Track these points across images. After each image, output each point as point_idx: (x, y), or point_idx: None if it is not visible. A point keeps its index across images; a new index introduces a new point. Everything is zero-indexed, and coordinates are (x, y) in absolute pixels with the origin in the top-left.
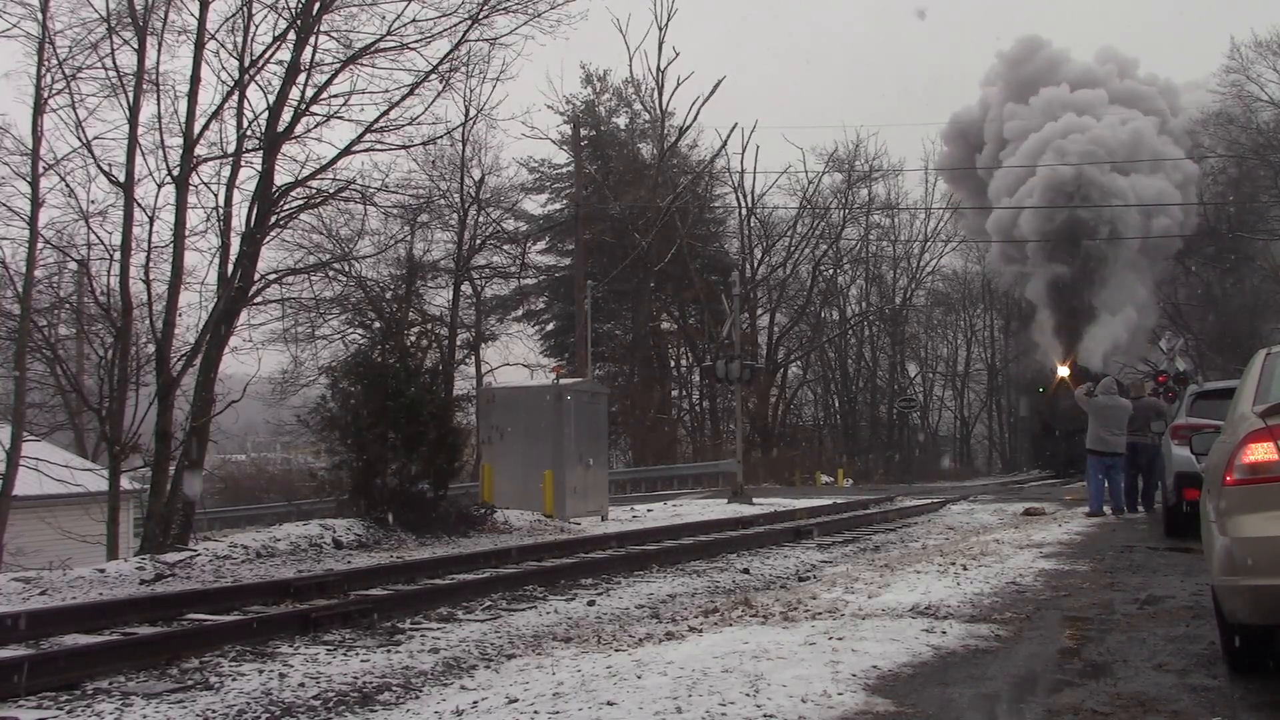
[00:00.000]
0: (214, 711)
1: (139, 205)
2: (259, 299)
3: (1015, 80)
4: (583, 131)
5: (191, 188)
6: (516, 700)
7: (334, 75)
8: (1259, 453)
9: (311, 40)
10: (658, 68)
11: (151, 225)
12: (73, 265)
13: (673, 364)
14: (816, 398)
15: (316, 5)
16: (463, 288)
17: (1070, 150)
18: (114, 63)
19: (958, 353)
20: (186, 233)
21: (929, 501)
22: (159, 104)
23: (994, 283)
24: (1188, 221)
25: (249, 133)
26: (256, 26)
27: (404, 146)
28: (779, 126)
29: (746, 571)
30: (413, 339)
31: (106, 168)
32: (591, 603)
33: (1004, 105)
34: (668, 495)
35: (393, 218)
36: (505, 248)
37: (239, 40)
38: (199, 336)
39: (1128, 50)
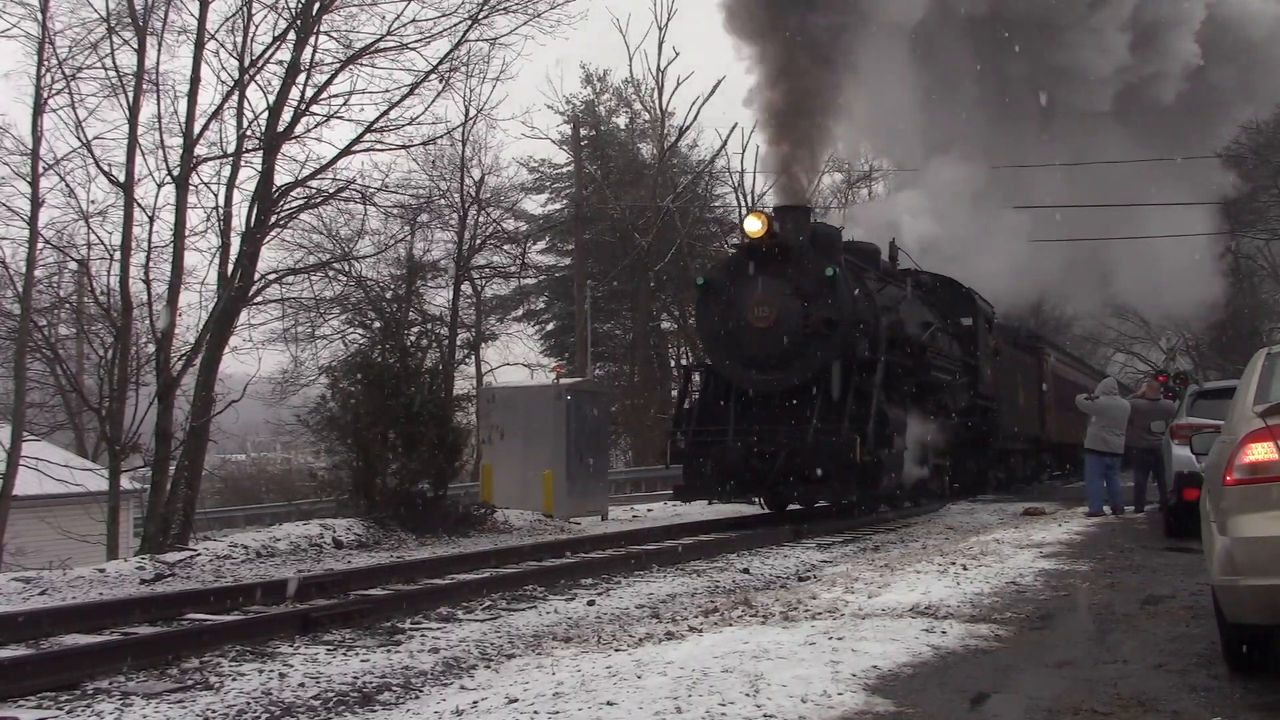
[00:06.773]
0: (214, 711)
1: (139, 205)
2: (259, 299)
3: None
4: (583, 131)
5: (191, 188)
6: (516, 700)
7: (334, 75)
8: (1259, 453)
9: (311, 40)
10: (658, 68)
11: (151, 225)
12: (73, 265)
13: (673, 364)
14: None
15: (316, 5)
16: (463, 288)
17: None
18: (114, 63)
19: None
20: (186, 233)
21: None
22: (159, 104)
23: None
24: None
25: (249, 133)
26: (256, 26)
27: (404, 146)
28: None
29: (746, 571)
30: (413, 339)
31: (106, 168)
32: (591, 603)
33: None
34: (668, 495)
35: (393, 218)
36: (505, 248)
37: (239, 40)
38: (199, 336)
39: None
